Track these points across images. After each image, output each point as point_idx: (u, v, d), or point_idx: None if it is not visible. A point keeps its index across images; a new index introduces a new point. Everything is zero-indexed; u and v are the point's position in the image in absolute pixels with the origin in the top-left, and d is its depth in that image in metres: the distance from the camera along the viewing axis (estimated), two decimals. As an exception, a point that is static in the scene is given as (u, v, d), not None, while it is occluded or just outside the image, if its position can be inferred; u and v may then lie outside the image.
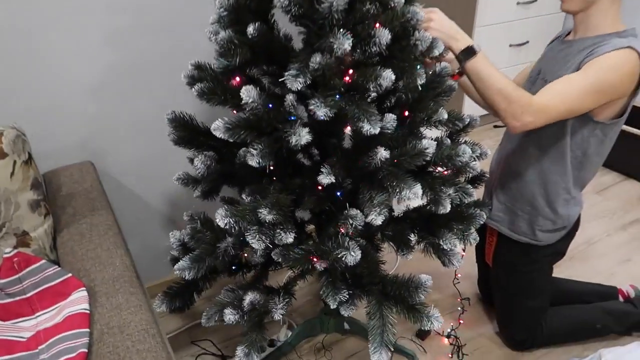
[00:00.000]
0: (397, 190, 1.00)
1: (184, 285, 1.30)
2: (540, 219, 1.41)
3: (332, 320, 1.64)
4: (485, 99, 1.19)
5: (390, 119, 1.03)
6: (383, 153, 1.00)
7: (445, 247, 1.17)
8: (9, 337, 0.95)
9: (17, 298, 1.03)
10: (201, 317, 1.24)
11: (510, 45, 2.80)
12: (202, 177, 1.24)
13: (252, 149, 1.00)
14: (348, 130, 1.07)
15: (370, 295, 1.15)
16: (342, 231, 1.03)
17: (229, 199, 1.35)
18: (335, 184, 1.06)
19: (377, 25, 0.97)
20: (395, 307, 1.12)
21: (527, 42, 2.83)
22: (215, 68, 1.07)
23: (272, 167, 1.14)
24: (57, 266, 1.07)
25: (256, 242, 1.01)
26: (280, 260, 1.09)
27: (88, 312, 0.97)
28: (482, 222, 1.23)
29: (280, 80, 0.98)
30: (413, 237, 1.20)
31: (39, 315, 1.02)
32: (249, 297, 1.15)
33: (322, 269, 1.08)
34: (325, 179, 1.02)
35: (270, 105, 1.02)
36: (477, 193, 1.25)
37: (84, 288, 1.02)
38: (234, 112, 1.09)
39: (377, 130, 0.96)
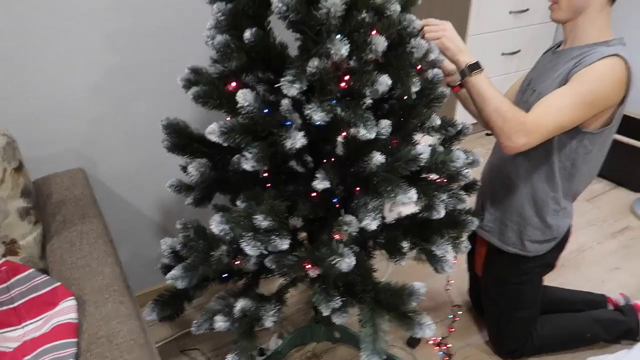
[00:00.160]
0: (392, 195, 1.00)
1: (174, 294, 1.28)
2: (530, 229, 1.42)
3: (323, 329, 1.63)
4: (482, 115, 1.21)
5: (386, 124, 1.03)
6: (379, 158, 1.00)
7: (437, 253, 1.17)
8: (-5, 347, 0.93)
9: (4, 307, 1.01)
10: (190, 325, 1.22)
11: (503, 54, 2.83)
12: (196, 184, 1.23)
13: (247, 153, 0.99)
14: (342, 137, 1.07)
15: (363, 303, 1.14)
16: (337, 238, 1.03)
17: (221, 206, 1.34)
18: (329, 189, 1.06)
19: (374, 32, 0.97)
20: (387, 315, 1.11)
21: (519, 51, 2.86)
22: (212, 72, 1.06)
23: (266, 174, 1.14)
24: (45, 275, 1.05)
25: (251, 249, 1.00)
26: (273, 267, 1.08)
27: (76, 321, 0.95)
28: (474, 229, 1.23)
29: (276, 86, 0.98)
30: (406, 244, 1.19)
31: (26, 325, 0.99)
32: (241, 304, 1.14)
33: (315, 276, 1.07)
34: (320, 184, 1.02)
35: (266, 110, 1.01)
36: (470, 202, 1.26)
37: (73, 297, 1.00)
38: (229, 118, 1.09)
39: (373, 135, 0.96)
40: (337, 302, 1.07)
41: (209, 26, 1.08)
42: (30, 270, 1.04)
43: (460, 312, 1.81)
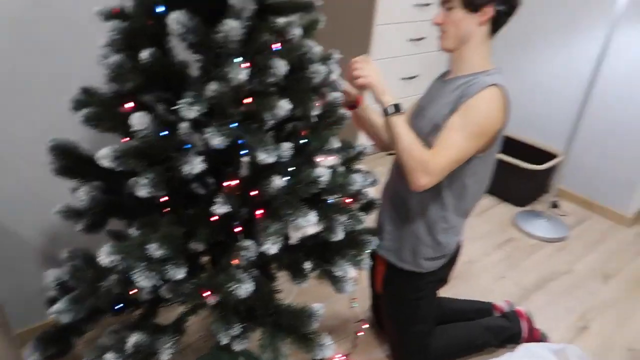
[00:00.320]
0: (292, 218, 1.01)
1: (61, 329, 1.17)
2: (423, 247, 1.49)
3: (226, 356, 1.58)
4: (395, 150, 1.31)
5: (286, 147, 1.04)
6: (277, 182, 1.01)
7: (337, 274, 1.20)
8: None
9: None
10: (82, 363, 1.13)
11: (402, 79, 3.00)
12: (86, 209, 1.14)
13: (141, 179, 0.95)
14: (245, 158, 1.07)
15: (263, 327, 1.13)
16: (235, 263, 1.01)
17: (115, 232, 1.26)
18: (230, 213, 1.04)
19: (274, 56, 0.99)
20: (288, 338, 1.11)
21: (417, 76, 3.05)
22: (107, 91, 1.01)
23: (163, 198, 1.09)
24: None
25: (143, 280, 0.94)
26: (170, 296, 1.03)
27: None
28: (373, 248, 1.27)
29: (172, 108, 0.95)
30: (307, 265, 1.20)
31: None
32: (133, 339, 1.07)
33: (214, 303, 1.04)
34: (220, 209, 1.00)
35: (164, 133, 0.98)
36: (370, 220, 1.30)
37: None
38: (124, 139, 1.03)
39: (273, 159, 0.97)
40: (236, 329, 1.05)
41: (102, 44, 1.03)
42: None
43: (366, 326, 1.86)
